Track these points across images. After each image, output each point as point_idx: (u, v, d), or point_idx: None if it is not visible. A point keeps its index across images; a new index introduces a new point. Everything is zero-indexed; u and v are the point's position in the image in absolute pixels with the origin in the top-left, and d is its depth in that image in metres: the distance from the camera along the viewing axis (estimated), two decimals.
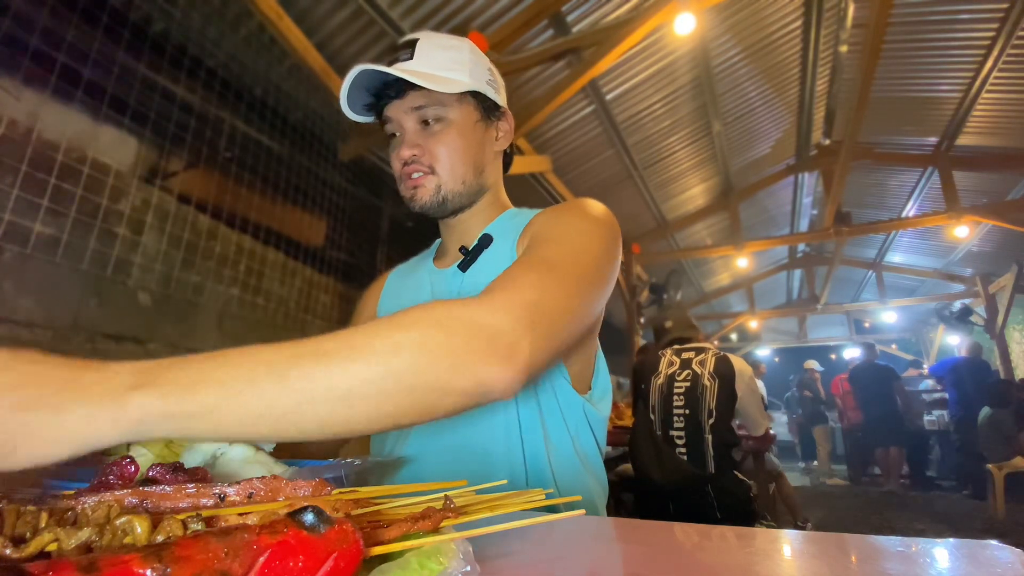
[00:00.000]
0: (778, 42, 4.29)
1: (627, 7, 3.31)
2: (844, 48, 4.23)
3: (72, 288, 1.85)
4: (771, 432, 2.35)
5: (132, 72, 2.04)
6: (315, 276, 3.00)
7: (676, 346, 2.32)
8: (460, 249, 0.80)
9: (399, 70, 0.70)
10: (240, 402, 0.38)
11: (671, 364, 2.20)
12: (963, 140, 5.08)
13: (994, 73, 4.16)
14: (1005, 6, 3.65)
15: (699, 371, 2.10)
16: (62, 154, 1.81)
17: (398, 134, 0.77)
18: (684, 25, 2.98)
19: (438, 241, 0.90)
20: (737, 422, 2.22)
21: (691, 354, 2.20)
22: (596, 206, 0.72)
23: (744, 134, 5.33)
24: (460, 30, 3.00)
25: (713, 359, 2.13)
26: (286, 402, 0.39)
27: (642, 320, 6.30)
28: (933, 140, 5.24)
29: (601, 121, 4.27)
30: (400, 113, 0.75)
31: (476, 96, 0.78)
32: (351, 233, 3.23)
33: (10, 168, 1.67)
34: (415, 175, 0.75)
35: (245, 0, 2.42)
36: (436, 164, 0.75)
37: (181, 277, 2.22)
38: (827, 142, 5.60)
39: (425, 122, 0.75)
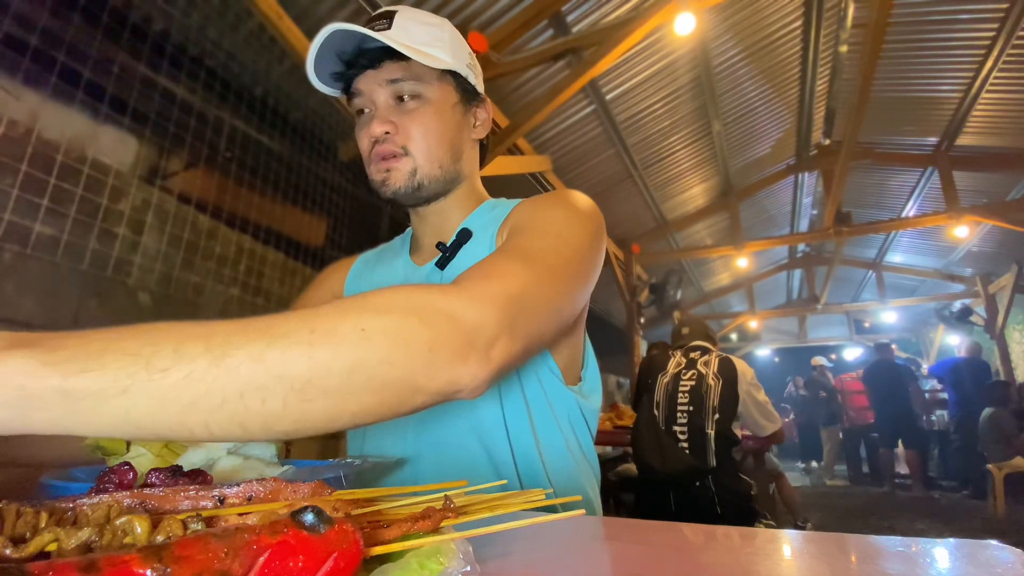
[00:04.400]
0: (778, 42, 4.28)
1: (627, 7, 3.31)
2: (844, 48, 4.23)
3: (72, 288, 1.85)
4: (782, 430, 2.35)
5: (132, 72, 2.04)
6: (315, 276, 3.00)
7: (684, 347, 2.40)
8: (437, 245, 0.74)
9: (381, 35, 0.64)
10: (163, 383, 0.29)
11: (679, 364, 2.28)
12: (963, 140, 5.08)
13: (994, 73, 4.16)
14: (1005, 6, 3.65)
15: (704, 371, 2.18)
16: (62, 154, 1.81)
17: (368, 110, 0.70)
18: (684, 25, 2.98)
19: (410, 231, 0.84)
20: (740, 424, 2.25)
21: (697, 354, 2.29)
22: (579, 197, 0.68)
23: (744, 134, 5.33)
24: (460, 30, 2.99)
25: (717, 360, 2.21)
26: (225, 389, 0.31)
27: (642, 320, 6.30)
28: (933, 140, 5.24)
29: (601, 121, 4.27)
30: (373, 85, 0.68)
31: (455, 77, 0.72)
32: (351, 233, 3.23)
33: (10, 168, 1.66)
34: (386, 158, 0.69)
35: (245, 0, 2.42)
36: (410, 144, 0.69)
37: (181, 277, 2.22)
38: (827, 142, 5.60)
39: (400, 98, 0.69)
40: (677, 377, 2.21)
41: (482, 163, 0.82)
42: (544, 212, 0.65)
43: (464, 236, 0.73)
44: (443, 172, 0.72)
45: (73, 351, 0.29)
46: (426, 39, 0.68)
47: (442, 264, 0.73)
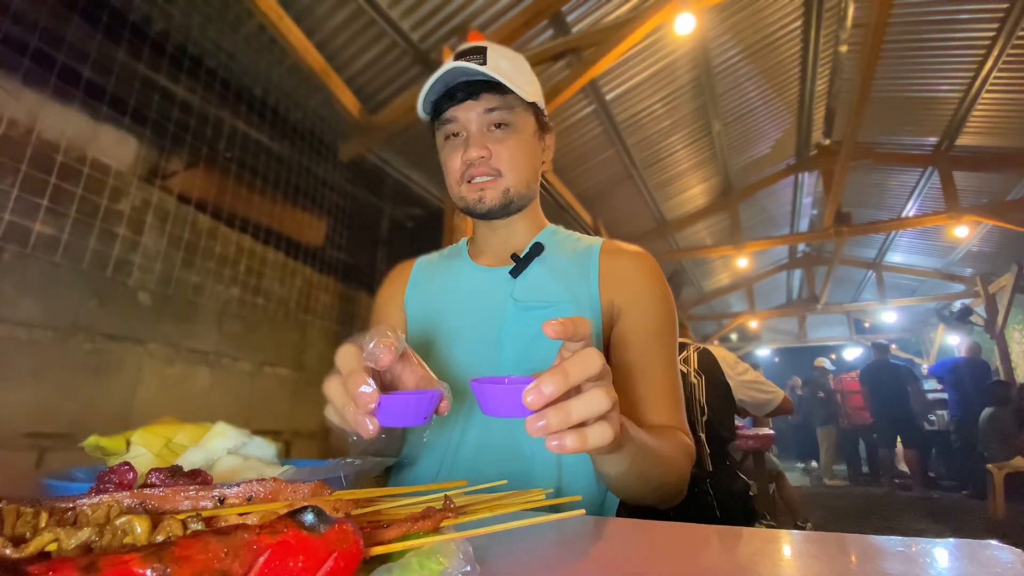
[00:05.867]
0: (778, 42, 4.29)
1: (627, 7, 3.31)
2: (844, 48, 4.23)
3: (72, 288, 1.85)
4: (787, 398, 2.24)
5: (132, 72, 2.04)
6: (315, 276, 3.00)
7: None
8: (512, 256, 0.82)
9: (487, 70, 0.72)
10: (650, 462, 0.58)
11: None
12: (963, 140, 5.08)
13: (994, 73, 4.16)
14: (1005, 6, 3.65)
15: (685, 369, 2.08)
16: (62, 154, 1.81)
17: (461, 134, 0.78)
18: (684, 25, 2.98)
19: (465, 240, 0.92)
20: (741, 424, 2.21)
21: None
22: (662, 274, 0.80)
23: (744, 134, 5.33)
24: (460, 30, 3.00)
25: (696, 355, 2.10)
26: (643, 470, 0.57)
27: None
28: (933, 140, 5.24)
29: (601, 121, 4.27)
30: (470, 114, 0.76)
31: (535, 108, 0.81)
32: (351, 233, 3.23)
33: (10, 168, 1.67)
34: (480, 178, 0.77)
35: (245, 0, 2.42)
36: (502, 167, 0.77)
37: (181, 277, 2.22)
38: (827, 142, 5.60)
39: (494, 126, 0.77)
40: None
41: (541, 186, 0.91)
42: (661, 313, 0.77)
43: (537, 250, 0.81)
44: (528, 191, 0.81)
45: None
46: (513, 73, 0.76)
47: (515, 273, 0.80)
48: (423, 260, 0.94)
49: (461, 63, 0.72)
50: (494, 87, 0.74)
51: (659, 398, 0.72)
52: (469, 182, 0.77)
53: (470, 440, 0.73)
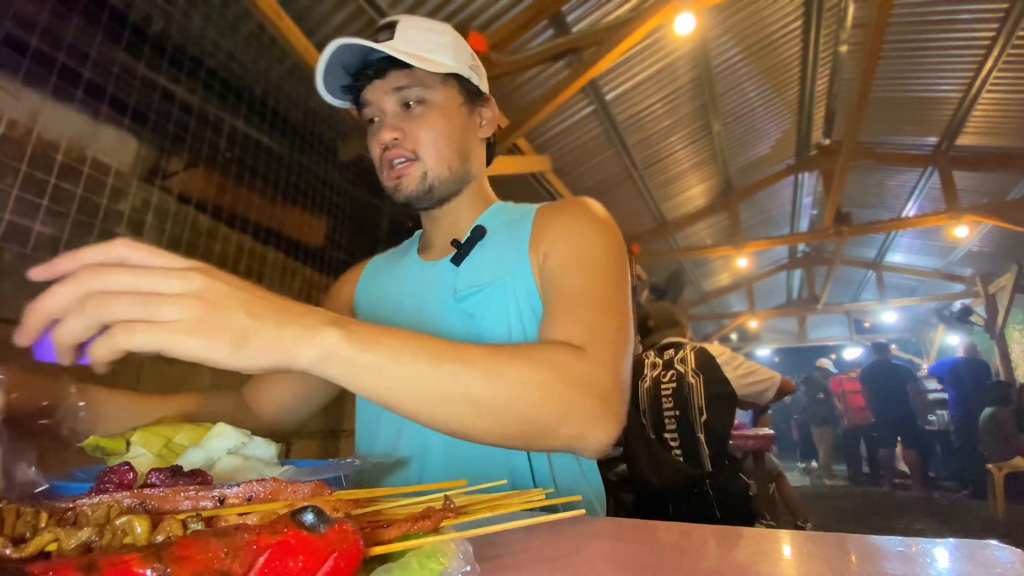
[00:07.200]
0: (778, 42, 4.29)
1: (627, 7, 3.31)
2: (844, 48, 4.23)
3: None
4: (785, 380, 2.18)
5: (132, 72, 2.04)
6: (315, 276, 3.00)
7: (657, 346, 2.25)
8: (453, 242, 0.76)
9: (383, 46, 0.67)
10: (402, 371, 0.44)
11: (655, 366, 2.15)
12: (963, 140, 5.08)
13: (994, 73, 4.16)
14: (1005, 6, 3.65)
15: (682, 370, 2.04)
16: (62, 154, 1.81)
17: (377, 119, 0.73)
18: (684, 25, 2.98)
19: (419, 233, 0.87)
20: (742, 427, 2.18)
21: (671, 352, 2.15)
22: (602, 212, 0.72)
23: (744, 134, 5.33)
24: (460, 30, 2.98)
25: (693, 354, 2.07)
26: (431, 388, 0.45)
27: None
28: (933, 140, 5.24)
29: (601, 121, 4.27)
30: (380, 94, 0.71)
31: (459, 80, 0.74)
32: (351, 233, 3.23)
33: (10, 168, 1.67)
34: (397, 162, 0.71)
35: (245, 0, 2.42)
36: (419, 149, 0.71)
37: None
38: (827, 142, 5.60)
39: (406, 104, 0.71)
40: (657, 381, 2.08)
41: (489, 161, 0.84)
42: (585, 240, 0.68)
43: (479, 233, 0.76)
44: (452, 173, 0.74)
45: (361, 335, 0.43)
46: (428, 45, 0.71)
47: (457, 260, 0.75)
48: (377, 258, 0.92)
49: (349, 40, 0.66)
50: (403, 64, 0.68)
51: (561, 314, 0.61)
52: (391, 168, 0.72)
53: (435, 445, 0.70)
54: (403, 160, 0.71)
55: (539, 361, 0.51)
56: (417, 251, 0.84)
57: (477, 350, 0.48)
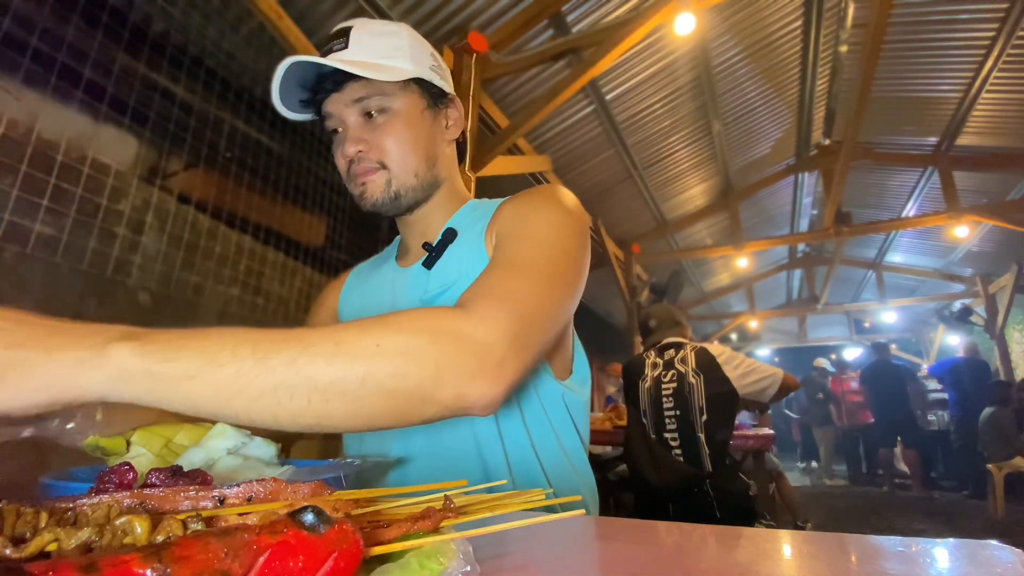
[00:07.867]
0: (778, 42, 4.28)
1: (627, 7, 3.31)
2: (844, 48, 4.22)
3: (72, 288, 1.84)
4: (786, 376, 2.13)
5: (132, 72, 2.04)
6: (315, 276, 3.00)
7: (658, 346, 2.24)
8: (424, 245, 0.76)
9: (334, 60, 0.65)
10: (219, 375, 0.38)
11: (655, 366, 2.15)
12: (963, 140, 5.07)
13: (994, 73, 4.16)
14: (1005, 6, 3.65)
15: (683, 370, 2.04)
16: (62, 154, 1.81)
17: (340, 130, 0.71)
18: (684, 25, 2.97)
19: (398, 238, 0.86)
20: (746, 422, 2.16)
21: (672, 352, 2.14)
22: (564, 195, 0.69)
23: (744, 134, 5.33)
24: (460, 30, 3.00)
25: (693, 354, 2.07)
26: (264, 384, 0.39)
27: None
28: (933, 140, 5.24)
29: (601, 121, 4.27)
30: (340, 107, 0.69)
31: (420, 83, 0.73)
32: (351, 233, 3.23)
33: (10, 168, 1.66)
34: (363, 176, 0.70)
35: (245, 0, 2.42)
36: (385, 158, 0.70)
37: (181, 277, 2.22)
38: (827, 142, 5.59)
39: (368, 114, 0.70)
40: (658, 381, 2.08)
41: (461, 160, 0.83)
42: (532, 215, 0.65)
43: (449, 235, 0.75)
44: (419, 180, 0.73)
45: (162, 345, 0.37)
46: (385, 51, 0.69)
47: (429, 264, 0.74)
48: (360, 266, 0.92)
49: (300, 57, 0.64)
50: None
51: (476, 281, 0.55)
52: (356, 176, 0.71)
53: (415, 441, 0.71)
54: (370, 173, 0.70)
55: (399, 325, 0.45)
56: (396, 257, 0.84)
57: (323, 330, 0.43)
